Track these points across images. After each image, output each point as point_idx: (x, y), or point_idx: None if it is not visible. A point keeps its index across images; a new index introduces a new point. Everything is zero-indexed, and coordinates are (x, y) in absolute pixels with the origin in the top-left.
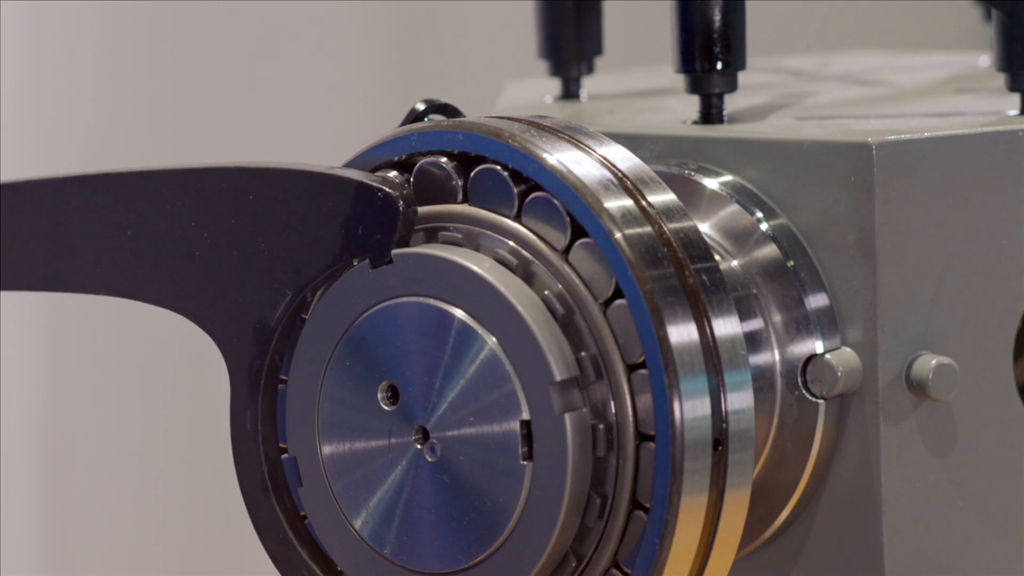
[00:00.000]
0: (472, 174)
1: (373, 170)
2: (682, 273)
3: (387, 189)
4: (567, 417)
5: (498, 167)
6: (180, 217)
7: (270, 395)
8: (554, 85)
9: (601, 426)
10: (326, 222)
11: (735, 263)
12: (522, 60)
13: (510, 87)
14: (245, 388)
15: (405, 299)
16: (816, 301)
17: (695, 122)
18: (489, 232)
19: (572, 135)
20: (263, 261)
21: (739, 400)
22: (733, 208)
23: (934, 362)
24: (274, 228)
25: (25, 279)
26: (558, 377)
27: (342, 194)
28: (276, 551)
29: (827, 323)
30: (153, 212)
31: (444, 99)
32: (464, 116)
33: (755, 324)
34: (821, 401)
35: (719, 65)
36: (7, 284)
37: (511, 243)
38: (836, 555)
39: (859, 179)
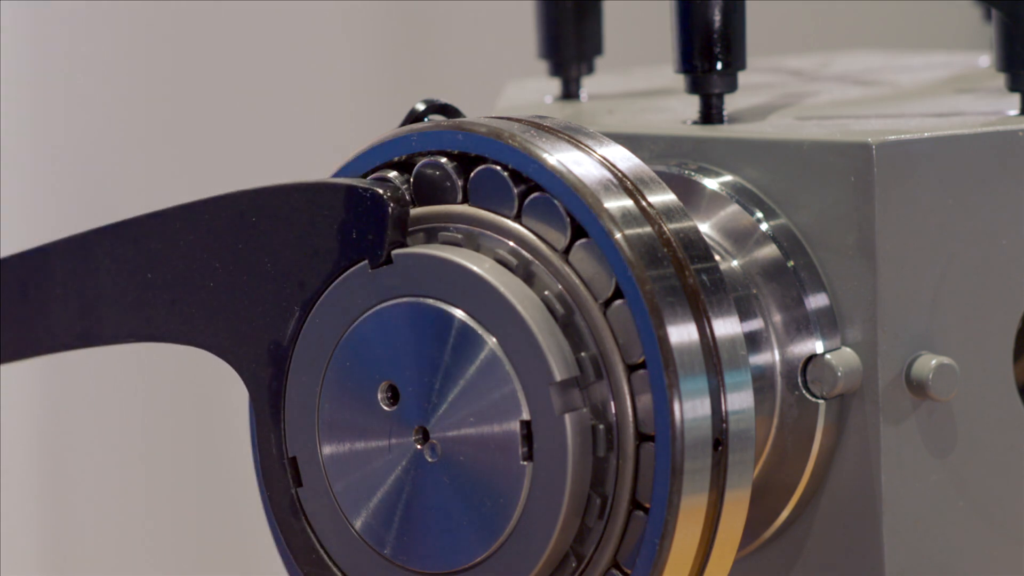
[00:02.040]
0: (472, 174)
1: (373, 171)
2: (682, 273)
3: (375, 190)
4: (567, 417)
5: (498, 167)
6: (192, 251)
7: None
8: (554, 85)
9: (601, 426)
10: (323, 231)
11: (735, 263)
12: (522, 60)
13: (510, 87)
14: (267, 412)
15: (405, 299)
16: (816, 301)
17: (695, 122)
18: (489, 232)
19: (572, 135)
20: (271, 281)
21: (739, 400)
22: (733, 208)
23: (934, 362)
24: (277, 246)
25: (59, 340)
26: (558, 377)
27: (334, 201)
28: (312, 573)
29: (827, 323)
30: (168, 251)
31: (444, 99)
32: (464, 116)
33: (755, 324)
34: (821, 401)
35: (719, 65)
36: (43, 348)
37: (511, 243)
38: (836, 555)
39: (859, 179)
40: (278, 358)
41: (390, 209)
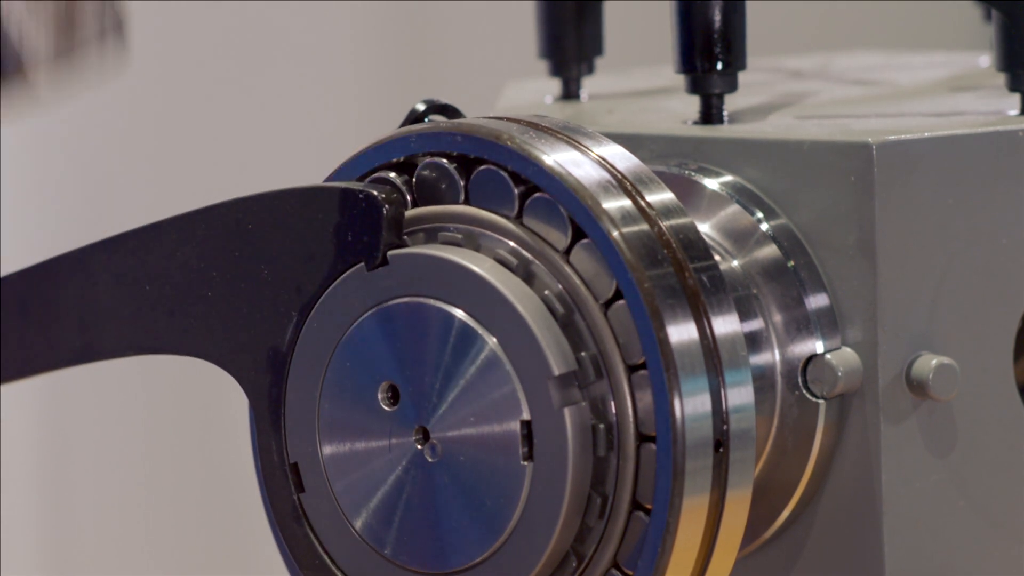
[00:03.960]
0: (473, 175)
1: (373, 172)
2: (682, 274)
3: (369, 191)
4: (566, 411)
5: (498, 168)
6: (190, 261)
7: None
8: (554, 85)
9: (601, 426)
10: (318, 235)
11: (735, 263)
12: (522, 60)
13: (510, 87)
14: (268, 419)
15: (405, 299)
16: (816, 301)
17: (695, 122)
18: (489, 232)
19: (571, 136)
20: (268, 287)
21: (740, 400)
22: (733, 208)
23: (934, 362)
24: (273, 252)
25: (60, 357)
26: (556, 372)
27: (329, 204)
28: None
29: (827, 323)
30: (165, 262)
31: (444, 99)
32: (464, 116)
33: (755, 324)
34: (821, 401)
35: (719, 65)
36: (44, 366)
37: (511, 243)
38: (836, 555)
39: (859, 179)
40: (277, 364)
41: (385, 210)
